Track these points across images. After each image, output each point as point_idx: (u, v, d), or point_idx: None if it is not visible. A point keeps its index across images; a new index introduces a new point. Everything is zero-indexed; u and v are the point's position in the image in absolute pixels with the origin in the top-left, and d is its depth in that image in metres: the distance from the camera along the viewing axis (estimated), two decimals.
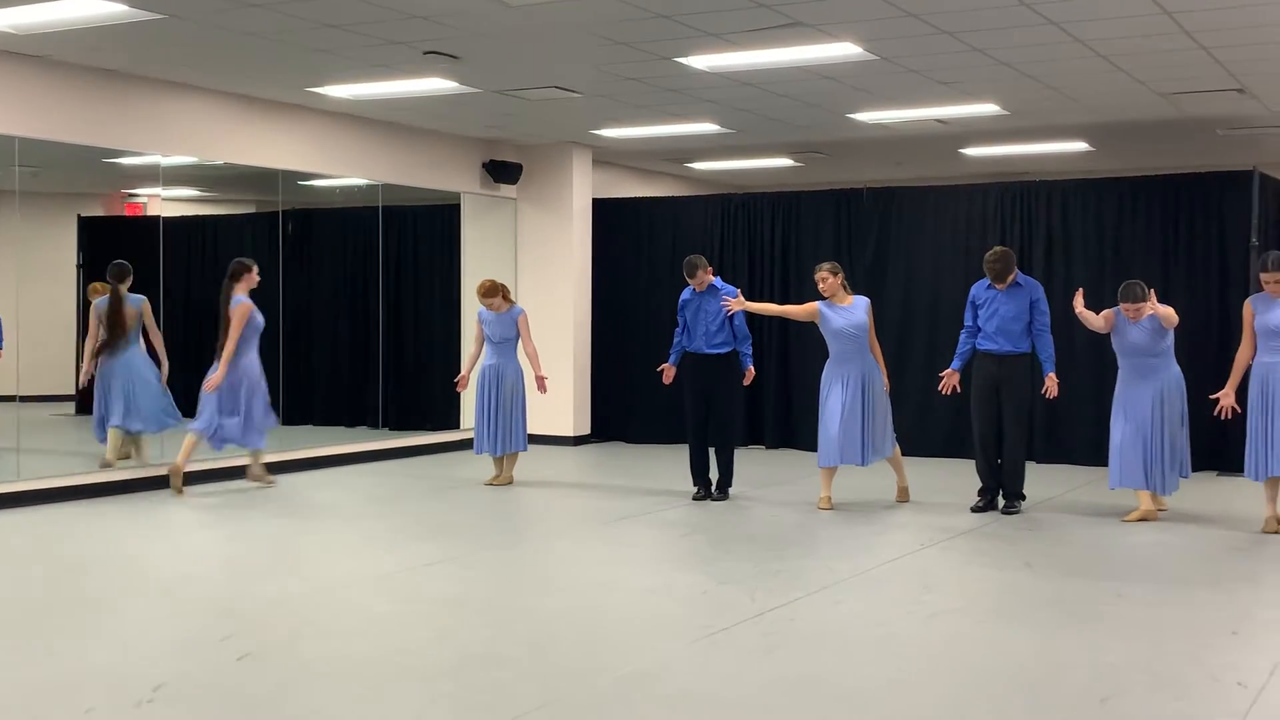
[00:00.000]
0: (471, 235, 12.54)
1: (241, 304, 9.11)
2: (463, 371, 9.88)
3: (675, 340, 9.10)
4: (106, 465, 9.35)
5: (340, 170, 11.07)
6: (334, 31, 7.84)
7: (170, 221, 10.16)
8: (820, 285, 8.66)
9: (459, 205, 12.42)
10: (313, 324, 11.96)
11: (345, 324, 12.29)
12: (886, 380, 8.72)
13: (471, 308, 10.03)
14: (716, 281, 8.97)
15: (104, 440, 9.46)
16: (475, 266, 12.03)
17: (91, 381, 9.53)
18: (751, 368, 9.02)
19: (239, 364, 9.09)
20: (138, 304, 9.55)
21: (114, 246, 10.83)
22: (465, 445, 10.36)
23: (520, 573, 6.82)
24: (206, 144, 9.89)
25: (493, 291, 9.58)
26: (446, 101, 10.16)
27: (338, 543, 7.68)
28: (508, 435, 9.63)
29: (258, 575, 6.66)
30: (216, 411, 9.06)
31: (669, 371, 9.16)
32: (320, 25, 7.69)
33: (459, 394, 10.76)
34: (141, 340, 9.60)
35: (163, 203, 10.07)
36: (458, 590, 6.29)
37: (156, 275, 9.87)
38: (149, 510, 8.62)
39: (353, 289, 12.22)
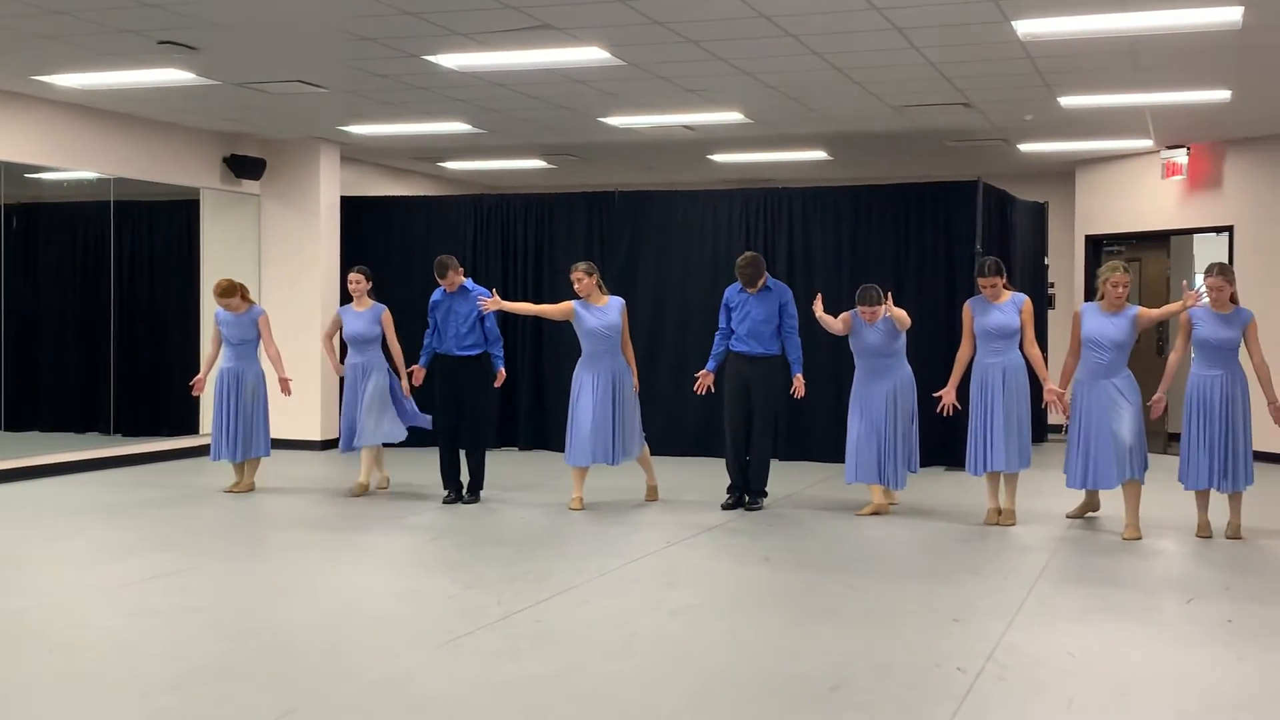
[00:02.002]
0: (212, 232, 12.09)
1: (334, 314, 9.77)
2: (199, 374, 9.52)
3: (425, 342, 9.01)
4: None
5: (69, 163, 10.51)
6: (62, 18, 7.43)
7: None
8: (576, 285, 8.71)
9: (199, 201, 11.96)
10: (39, 324, 11.31)
11: (74, 324, 11.65)
12: (636, 381, 8.84)
13: (212, 308, 9.66)
14: (468, 283, 8.92)
15: None
16: (216, 265, 11.59)
17: None
18: (503, 370, 9.01)
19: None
20: None
21: None
22: (204, 451, 10.00)
23: (259, 582, 6.61)
24: None
25: (230, 291, 9.25)
26: (184, 93, 9.77)
27: (63, 554, 7.27)
28: (248, 440, 9.32)
29: None
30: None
31: (419, 373, 9.08)
32: (47, 11, 7.28)
33: (196, 398, 10.35)
34: None
35: None
36: (191, 602, 6.04)
37: None
38: None
39: (82, 288, 11.59)
